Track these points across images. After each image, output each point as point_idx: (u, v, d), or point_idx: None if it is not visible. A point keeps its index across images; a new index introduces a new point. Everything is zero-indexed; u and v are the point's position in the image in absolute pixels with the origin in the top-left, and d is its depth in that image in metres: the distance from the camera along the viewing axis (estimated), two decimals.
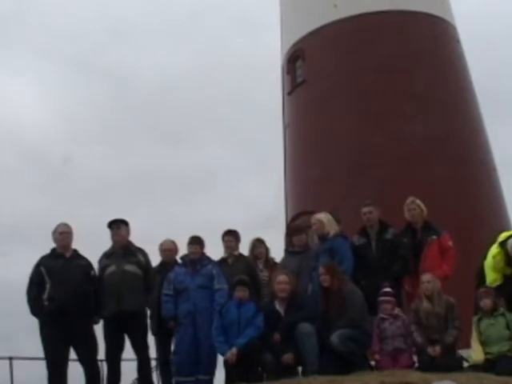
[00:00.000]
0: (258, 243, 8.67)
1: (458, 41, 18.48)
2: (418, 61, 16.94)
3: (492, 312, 7.10)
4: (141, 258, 7.79)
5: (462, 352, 7.21)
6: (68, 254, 7.53)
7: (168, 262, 8.33)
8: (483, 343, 7.02)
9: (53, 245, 7.61)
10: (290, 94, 18.95)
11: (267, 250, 8.74)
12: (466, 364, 7.05)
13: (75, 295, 7.21)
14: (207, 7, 43.13)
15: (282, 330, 7.08)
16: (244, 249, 8.67)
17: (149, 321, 8.03)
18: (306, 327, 6.99)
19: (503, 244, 7.54)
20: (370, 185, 15.10)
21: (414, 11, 17.55)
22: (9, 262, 24.91)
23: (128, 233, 7.97)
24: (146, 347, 7.78)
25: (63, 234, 7.54)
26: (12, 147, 39.16)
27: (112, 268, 7.67)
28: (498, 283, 7.50)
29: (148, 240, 8.95)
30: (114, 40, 41.93)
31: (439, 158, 15.82)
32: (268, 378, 6.97)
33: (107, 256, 7.85)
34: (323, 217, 8.07)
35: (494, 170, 17.40)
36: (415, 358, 7.10)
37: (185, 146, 39.53)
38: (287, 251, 8.62)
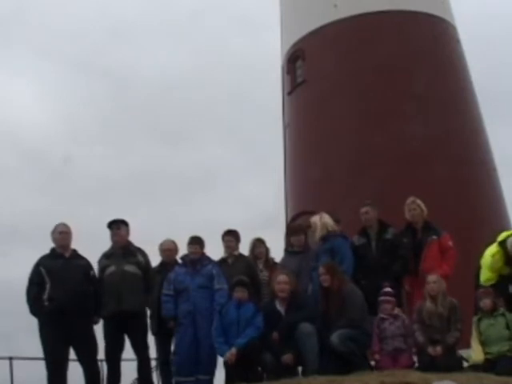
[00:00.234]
0: (258, 243, 8.67)
1: (458, 41, 18.48)
2: (418, 61, 16.93)
3: (492, 312, 7.10)
4: (140, 258, 7.79)
5: (462, 352, 7.21)
6: (67, 254, 7.53)
7: (168, 262, 8.33)
8: (483, 343, 7.02)
9: (52, 245, 7.61)
10: (290, 93, 18.94)
11: (267, 250, 8.74)
12: (465, 364, 7.05)
13: (75, 295, 7.20)
14: (207, 7, 43.19)
15: (282, 329, 7.09)
16: (244, 249, 8.69)
17: (149, 321, 8.04)
18: (306, 327, 6.99)
19: (502, 243, 7.54)
20: (370, 185, 15.09)
21: (414, 11, 17.54)
22: (9, 262, 24.92)
23: (128, 233, 7.97)
24: (145, 347, 7.79)
25: (62, 234, 7.53)
26: (12, 147, 39.21)
27: (112, 268, 7.67)
28: (491, 282, 7.50)
29: (148, 240, 8.96)
30: (114, 40, 41.99)
31: (439, 158, 15.81)
32: (268, 378, 6.98)
33: (107, 256, 7.85)
34: (317, 220, 8.10)
35: (494, 170, 17.40)
36: (415, 358, 7.10)
37: (185, 146, 39.58)
38: (287, 251, 8.62)
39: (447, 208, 13.90)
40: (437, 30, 17.87)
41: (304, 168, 17.51)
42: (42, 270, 7.35)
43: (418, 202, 8.11)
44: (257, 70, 36.60)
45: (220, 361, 7.45)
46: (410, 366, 6.93)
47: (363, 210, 8.12)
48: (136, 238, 8.11)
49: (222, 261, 8.40)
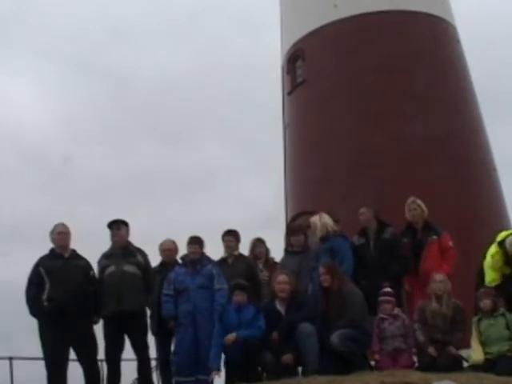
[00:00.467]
0: (258, 243, 8.68)
1: (458, 41, 18.48)
2: (418, 61, 16.94)
3: (492, 312, 7.10)
4: (140, 258, 7.79)
5: (462, 352, 7.21)
6: (66, 254, 7.53)
7: (168, 261, 8.33)
8: (483, 343, 7.02)
9: (51, 245, 7.60)
10: (290, 93, 18.94)
11: (267, 250, 8.74)
12: (466, 364, 7.05)
13: (75, 295, 7.20)
14: (207, 7, 43.19)
15: (282, 329, 7.09)
16: (244, 249, 8.69)
17: (149, 321, 8.04)
18: (306, 327, 6.99)
19: (502, 243, 7.54)
20: (370, 185, 15.10)
21: (414, 11, 17.54)
22: (9, 262, 24.91)
23: (127, 233, 7.97)
24: (145, 347, 7.79)
25: (61, 235, 7.53)
26: (12, 147, 39.21)
27: (111, 268, 7.67)
28: (496, 283, 7.50)
29: (148, 240, 8.96)
30: (114, 40, 41.99)
31: (439, 158, 15.81)
32: (268, 378, 6.98)
33: (106, 256, 7.85)
34: (317, 220, 8.10)
35: (494, 170, 17.40)
36: (415, 358, 7.10)
37: (185, 146, 39.60)
38: (287, 251, 8.62)
39: (447, 208, 13.90)
40: (437, 29, 17.87)
41: (304, 168, 17.51)
42: (42, 270, 7.35)
43: (419, 202, 8.11)
44: (257, 69, 36.64)
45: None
46: (410, 366, 6.92)
47: (360, 210, 8.15)
48: (136, 238, 8.12)
49: (222, 261, 8.40)
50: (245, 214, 30.33)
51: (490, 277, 7.58)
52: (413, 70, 16.81)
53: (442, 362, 6.70)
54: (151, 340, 8.13)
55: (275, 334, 7.06)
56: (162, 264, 8.39)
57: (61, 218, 7.93)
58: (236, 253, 8.50)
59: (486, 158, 17.29)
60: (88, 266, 7.66)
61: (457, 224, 12.49)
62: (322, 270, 7.30)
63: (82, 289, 7.33)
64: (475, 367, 6.78)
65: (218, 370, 7.17)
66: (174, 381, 7.87)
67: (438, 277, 7.21)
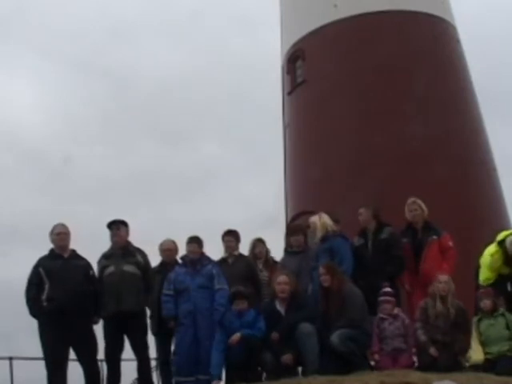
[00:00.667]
0: (258, 243, 8.68)
1: (458, 41, 18.48)
2: (418, 61, 16.94)
3: (492, 312, 7.10)
4: (139, 258, 7.79)
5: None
6: (66, 255, 7.52)
7: (168, 261, 8.33)
8: (483, 343, 7.02)
9: (51, 246, 7.60)
10: (290, 93, 18.95)
11: (267, 250, 8.75)
12: (466, 364, 7.05)
13: (75, 295, 7.20)
14: (207, 7, 43.26)
15: (282, 330, 7.09)
16: (244, 249, 8.69)
17: (149, 321, 8.04)
18: (306, 327, 6.99)
19: (502, 243, 7.54)
20: (370, 185, 15.10)
21: (414, 11, 17.55)
22: (9, 262, 24.88)
23: (127, 233, 7.97)
24: (145, 347, 7.78)
25: (60, 235, 7.53)
26: (12, 147, 39.15)
27: (111, 268, 7.66)
28: (490, 282, 7.51)
29: (148, 240, 8.96)
30: (114, 40, 42.00)
31: (439, 158, 15.82)
32: (268, 378, 6.98)
33: (106, 257, 7.85)
34: (318, 220, 8.10)
35: (494, 170, 17.41)
36: (415, 358, 7.10)
37: (185, 146, 39.61)
38: (287, 251, 8.62)
39: (447, 208, 13.90)
40: (437, 29, 17.87)
41: (304, 168, 17.51)
42: (41, 270, 7.34)
43: (419, 202, 8.11)
44: (257, 69, 36.64)
45: None
46: (410, 365, 6.92)
47: (359, 211, 8.16)
48: (136, 238, 8.12)
49: (222, 261, 8.40)
50: (245, 214, 30.36)
51: (485, 275, 7.59)
52: (413, 70, 16.81)
53: (442, 362, 6.70)
54: (151, 340, 8.13)
55: (275, 334, 7.06)
56: (162, 264, 8.39)
57: (61, 218, 7.94)
58: (236, 253, 8.50)
59: (486, 158, 17.29)
60: (88, 265, 7.66)
61: (457, 224, 12.49)
62: (321, 270, 7.30)
63: (81, 289, 7.33)
64: (475, 367, 6.79)
65: (219, 378, 7.14)
66: (174, 381, 7.87)
67: (443, 277, 7.20)
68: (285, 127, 19.26)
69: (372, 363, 7.13)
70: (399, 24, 17.24)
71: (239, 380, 6.78)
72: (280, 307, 7.32)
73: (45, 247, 7.64)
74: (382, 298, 7.32)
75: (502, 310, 7.17)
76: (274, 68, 20.50)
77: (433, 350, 6.84)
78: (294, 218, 16.95)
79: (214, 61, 38.98)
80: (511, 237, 7.56)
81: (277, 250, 8.97)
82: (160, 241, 8.53)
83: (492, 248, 7.63)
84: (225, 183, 37.68)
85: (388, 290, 7.37)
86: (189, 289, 7.76)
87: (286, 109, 19.34)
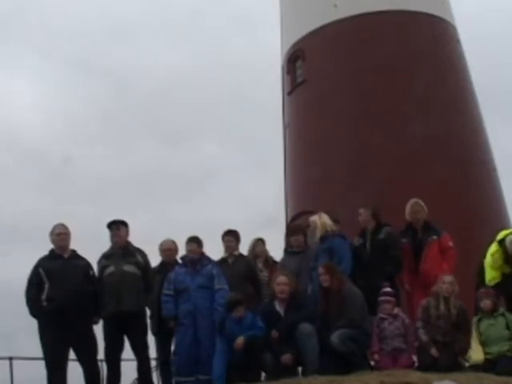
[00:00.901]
0: (259, 243, 8.69)
1: (458, 41, 18.48)
2: (418, 61, 16.93)
3: (492, 312, 7.10)
4: (139, 258, 7.78)
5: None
6: (66, 255, 7.52)
7: (168, 261, 8.33)
8: (483, 343, 7.02)
9: (51, 246, 7.60)
10: (290, 93, 18.94)
11: (267, 250, 8.76)
12: (466, 364, 7.05)
13: (75, 295, 7.20)
14: (207, 7, 43.26)
15: (281, 330, 7.08)
16: (244, 249, 8.69)
17: (149, 321, 8.04)
18: (306, 327, 6.99)
19: (502, 242, 7.55)
20: (370, 185, 15.09)
21: (414, 11, 17.54)
22: (9, 262, 24.86)
23: (127, 234, 7.96)
24: (145, 347, 7.78)
25: (60, 235, 7.52)
26: (12, 147, 39.14)
27: (111, 268, 7.66)
28: (496, 281, 7.51)
29: (148, 240, 8.96)
30: (114, 40, 42.00)
31: (439, 158, 15.81)
32: (268, 378, 6.97)
33: (106, 257, 7.85)
34: (317, 219, 8.11)
35: (494, 169, 17.40)
36: (415, 358, 7.10)
37: (185, 146, 39.61)
38: (287, 251, 8.62)
39: (447, 208, 13.89)
40: (437, 29, 17.87)
41: (304, 168, 17.51)
42: (41, 271, 7.34)
43: (421, 203, 8.13)
44: (257, 69, 36.61)
45: None
46: (410, 365, 6.92)
47: (358, 211, 8.16)
48: (136, 238, 8.11)
49: (222, 261, 8.40)
50: (245, 213, 30.35)
51: (490, 275, 7.59)
52: (413, 70, 16.81)
53: (443, 362, 6.70)
54: (151, 340, 8.13)
55: (275, 333, 7.05)
56: (162, 264, 8.39)
57: (61, 218, 7.94)
58: (236, 253, 8.50)
59: (486, 158, 17.28)
60: (88, 265, 7.65)
61: (457, 224, 12.49)
62: (321, 270, 7.30)
63: (81, 289, 7.33)
64: (475, 367, 6.79)
65: None
66: (174, 381, 7.87)
67: (447, 278, 7.19)
68: (285, 127, 19.26)
69: (372, 363, 7.13)
70: (399, 24, 17.23)
71: (239, 380, 6.78)
72: (279, 308, 7.31)
73: (45, 247, 7.65)
74: (382, 298, 7.32)
75: (502, 309, 7.18)
76: (274, 68, 20.53)
77: (434, 351, 6.84)
78: (293, 218, 16.95)
79: (214, 61, 39.03)
80: (511, 236, 7.56)
81: (277, 250, 8.99)
82: (160, 241, 8.53)
83: (492, 247, 7.64)
84: (225, 183, 37.71)
85: (388, 289, 7.37)
86: (189, 289, 7.77)
87: (286, 109, 19.34)
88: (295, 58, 18.84)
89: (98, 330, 7.65)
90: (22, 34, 42.55)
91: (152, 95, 38.91)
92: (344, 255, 7.76)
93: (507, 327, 7.00)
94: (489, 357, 6.91)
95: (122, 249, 7.81)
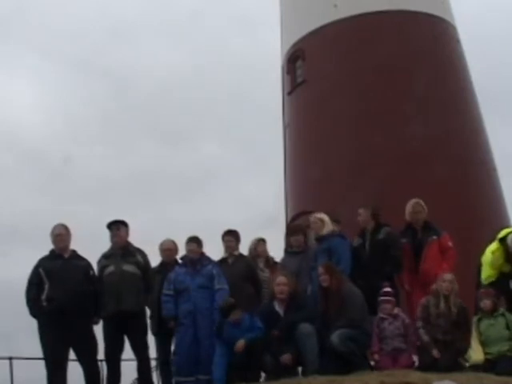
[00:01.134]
0: (261, 242, 8.69)
1: (458, 41, 18.48)
2: (418, 61, 16.93)
3: (492, 312, 7.10)
4: (139, 258, 7.78)
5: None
6: (67, 255, 7.52)
7: (168, 261, 8.33)
8: (483, 343, 7.02)
9: (52, 246, 7.60)
10: (290, 93, 18.94)
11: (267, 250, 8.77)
12: (466, 364, 7.05)
13: (75, 295, 7.20)
14: (207, 7, 43.27)
15: (281, 330, 7.08)
16: (244, 249, 8.69)
17: (149, 321, 8.04)
18: (306, 327, 6.99)
19: (503, 240, 7.54)
20: (370, 185, 15.09)
21: (414, 11, 17.54)
22: (9, 262, 24.88)
23: (127, 234, 7.96)
24: (145, 347, 7.78)
25: (59, 237, 7.52)
26: (12, 147, 39.15)
27: (111, 268, 7.66)
28: (492, 280, 7.51)
29: (148, 240, 8.96)
30: (114, 40, 42.00)
31: (439, 158, 15.81)
32: (268, 378, 6.97)
33: (106, 257, 7.85)
34: (324, 216, 8.10)
35: (494, 169, 17.40)
36: (415, 358, 7.10)
37: (185, 146, 39.62)
38: (287, 251, 8.62)
39: (447, 208, 13.89)
40: (437, 29, 17.87)
41: (304, 168, 17.51)
42: (41, 271, 7.34)
43: (422, 203, 8.13)
44: (257, 69, 36.61)
45: None
46: (410, 365, 6.92)
47: (358, 211, 8.16)
48: (136, 238, 8.12)
49: (222, 261, 8.40)
50: (245, 213, 30.36)
51: (487, 273, 7.59)
52: (413, 70, 16.81)
53: (443, 362, 6.70)
54: (151, 340, 8.13)
55: (275, 331, 7.05)
56: (162, 264, 8.39)
57: (61, 218, 7.94)
58: (236, 253, 8.50)
59: (486, 158, 17.28)
60: (88, 266, 7.65)
61: (457, 224, 12.49)
62: (320, 269, 7.29)
63: (81, 289, 7.33)
64: (475, 367, 6.78)
65: None
66: (174, 381, 7.87)
67: (447, 276, 7.19)
68: (285, 127, 19.25)
69: (372, 363, 7.13)
70: (399, 24, 17.23)
71: (239, 380, 6.78)
72: (279, 308, 7.31)
73: (45, 247, 7.65)
74: (382, 298, 7.32)
75: (502, 309, 7.17)
76: (274, 68, 20.52)
77: (435, 352, 6.83)
78: (293, 218, 16.95)
79: (214, 61, 39.04)
80: None
81: (277, 250, 8.99)
82: (160, 241, 8.53)
83: (493, 246, 7.64)
84: (225, 183, 37.71)
85: (388, 289, 7.37)
86: (189, 289, 7.77)
87: (286, 109, 19.33)
88: (295, 58, 18.84)
89: (98, 330, 7.65)
90: (22, 34, 42.61)
91: (152, 95, 38.95)
92: (343, 255, 7.75)
93: (507, 327, 7.00)
94: (489, 357, 6.91)
95: (122, 249, 7.81)
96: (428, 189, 13.58)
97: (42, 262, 7.46)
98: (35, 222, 26.28)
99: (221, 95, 39.26)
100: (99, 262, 7.85)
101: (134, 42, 40.65)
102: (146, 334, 7.84)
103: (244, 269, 8.26)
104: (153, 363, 9.36)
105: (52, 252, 7.55)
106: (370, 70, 16.59)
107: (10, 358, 11.90)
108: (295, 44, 18.77)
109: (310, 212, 9.26)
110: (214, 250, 8.45)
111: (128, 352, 7.79)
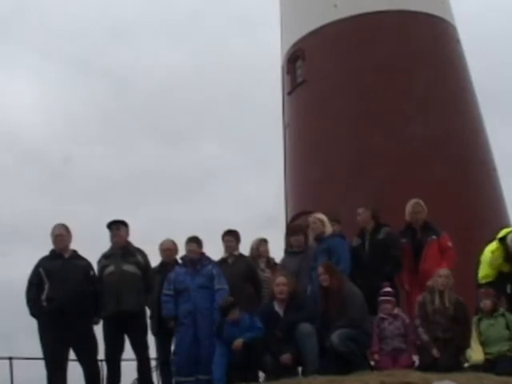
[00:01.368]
0: (263, 242, 8.70)
1: (458, 41, 18.49)
2: (418, 61, 16.94)
3: (492, 312, 7.10)
4: (139, 258, 7.78)
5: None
6: (67, 255, 7.52)
7: (168, 261, 8.33)
8: (483, 343, 7.02)
9: (52, 246, 7.60)
10: (290, 93, 18.95)
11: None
12: (466, 364, 7.05)
13: (75, 295, 7.20)
14: (207, 7, 43.30)
15: (281, 330, 7.08)
16: (244, 249, 8.68)
17: (149, 321, 8.04)
18: (306, 327, 6.98)
19: (502, 240, 7.54)
20: (370, 185, 15.10)
21: (414, 11, 17.55)
22: (9, 262, 24.89)
23: (127, 234, 7.96)
24: (145, 347, 7.78)
25: (59, 237, 7.52)
26: (12, 147, 39.16)
27: (111, 268, 7.66)
28: (489, 279, 7.50)
29: (148, 240, 8.96)
30: (114, 40, 42.02)
31: (439, 158, 15.82)
32: (268, 378, 6.97)
33: (106, 257, 7.85)
34: (323, 216, 8.10)
35: (494, 169, 17.41)
36: (415, 358, 7.10)
37: (185, 146, 39.64)
38: (287, 252, 8.62)
39: (447, 208, 13.90)
40: (437, 29, 17.88)
41: (304, 168, 17.51)
42: (41, 271, 7.34)
43: (422, 203, 8.13)
44: (257, 69, 36.65)
45: None
46: (410, 365, 6.92)
47: (357, 211, 8.16)
48: (136, 238, 8.11)
49: (222, 261, 8.40)
50: (245, 213, 30.38)
51: (484, 272, 7.59)
52: (413, 70, 16.81)
53: (443, 362, 6.70)
54: (151, 340, 8.13)
55: (278, 332, 7.04)
56: (162, 264, 8.39)
57: (61, 218, 7.94)
58: (236, 253, 8.50)
59: (486, 158, 17.29)
60: (88, 266, 7.65)
61: (457, 224, 12.50)
62: (320, 269, 7.29)
63: (81, 289, 7.33)
64: (475, 367, 6.78)
65: None
66: (174, 381, 7.87)
67: (443, 271, 7.20)
68: (285, 127, 19.26)
69: (372, 363, 7.13)
70: (399, 24, 17.24)
71: (239, 380, 6.78)
72: (278, 308, 7.30)
73: (45, 247, 7.65)
74: (382, 298, 7.32)
75: (502, 310, 7.17)
76: (274, 68, 20.54)
77: (435, 352, 6.83)
78: (293, 218, 16.95)
79: (214, 61, 39.06)
80: None
81: (277, 250, 8.99)
82: (160, 241, 8.53)
83: (493, 245, 7.63)
84: (225, 183, 37.71)
85: (388, 289, 7.37)
86: (189, 289, 7.77)
87: (286, 109, 19.34)
88: (295, 58, 18.84)
89: (98, 330, 7.65)
90: (22, 34, 42.63)
91: (152, 95, 38.97)
92: (342, 255, 7.75)
93: (507, 327, 7.00)
94: (489, 357, 6.91)
95: (122, 249, 7.80)
96: (428, 189, 13.59)
97: (42, 262, 7.46)
98: (35, 222, 26.29)
99: (221, 95, 39.35)
100: (99, 261, 7.85)
101: (134, 41, 40.72)
102: (146, 333, 7.84)
103: (244, 269, 8.25)
104: (153, 363, 9.37)
105: (52, 252, 7.55)
106: (370, 70, 16.60)
107: (10, 358, 11.91)
108: (295, 44, 18.78)
109: (310, 212, 9.26)
110: (214, 250, 8.45)
111: (128, 352, 7.80)
